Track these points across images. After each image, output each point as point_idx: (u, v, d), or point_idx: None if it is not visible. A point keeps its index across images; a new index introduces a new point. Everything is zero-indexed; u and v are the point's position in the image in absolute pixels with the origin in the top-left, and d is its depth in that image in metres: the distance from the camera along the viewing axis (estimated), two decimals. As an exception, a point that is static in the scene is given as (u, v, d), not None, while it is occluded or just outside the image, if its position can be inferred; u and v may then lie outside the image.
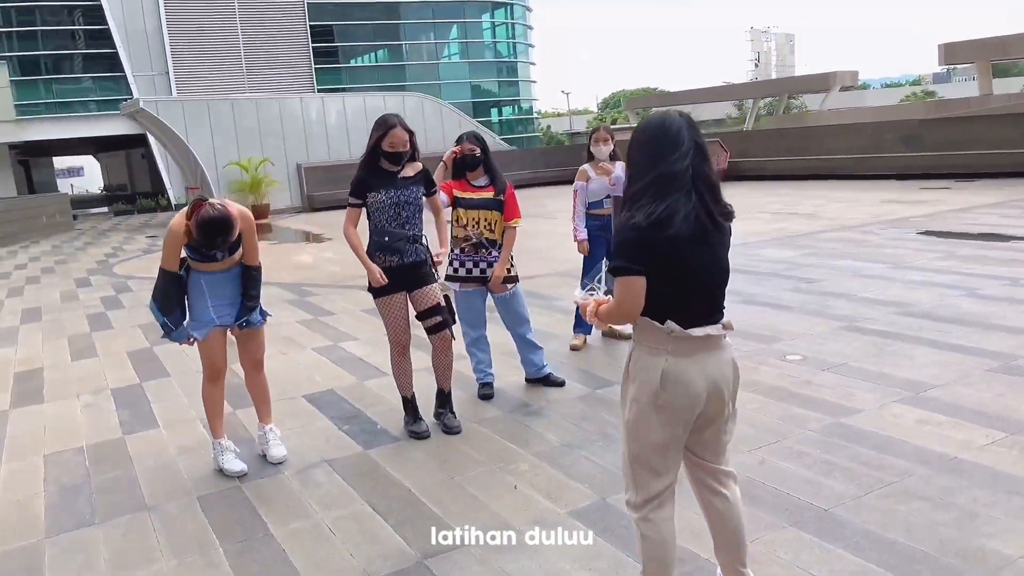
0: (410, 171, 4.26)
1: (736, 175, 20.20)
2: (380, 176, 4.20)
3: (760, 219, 12.46)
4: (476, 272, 4.76)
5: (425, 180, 4.31)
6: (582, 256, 5.71)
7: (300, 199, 23.93)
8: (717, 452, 2.42)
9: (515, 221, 4.81)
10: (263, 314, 4.08)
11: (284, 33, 34.23)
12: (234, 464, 3.94)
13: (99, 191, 41.27)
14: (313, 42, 34.87)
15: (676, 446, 2.32)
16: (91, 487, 3.95)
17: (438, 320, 4.28)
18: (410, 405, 4.41)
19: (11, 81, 29.63)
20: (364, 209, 4.24)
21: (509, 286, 4.83)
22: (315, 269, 11.48)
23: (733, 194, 2.33)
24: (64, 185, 48.45)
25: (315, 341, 6.68)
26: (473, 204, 4.73)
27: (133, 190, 31.86)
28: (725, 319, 2.29)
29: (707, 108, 58.21)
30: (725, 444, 2.43)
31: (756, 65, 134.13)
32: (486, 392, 4.88)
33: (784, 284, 7.47)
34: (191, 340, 3.89)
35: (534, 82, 50.01)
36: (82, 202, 32.65)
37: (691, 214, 2.16)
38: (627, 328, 5.91)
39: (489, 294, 4.85)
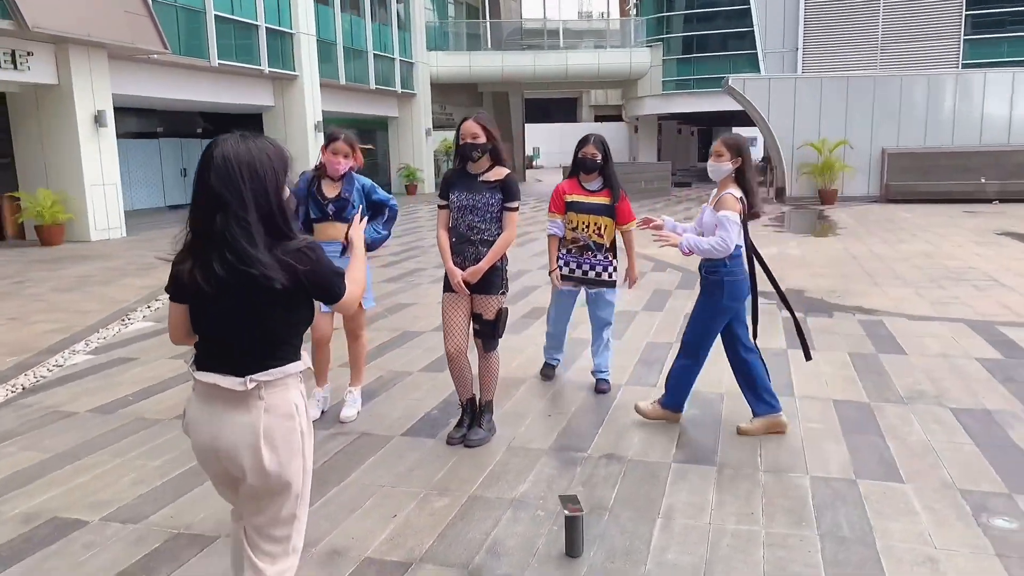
0: (492, 176, 4.22)
1: None
2: (462, 178, 4.29)
3: None
4: (578, 273, 5.08)
5: (503, 188, 4.20)
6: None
7: (879, 187, 21.95)
8: (254, 527, 2.16)
9: (629, 224, 5.09)
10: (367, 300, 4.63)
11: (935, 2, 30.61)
12: (312, 408, 4.70)
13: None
14: (967, 9, 30.27)
15: (218, 484, 2.23)
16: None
17: (476, 328, 4.31)
18: (462, 409, 4.47)
19: (663, 60, 34.05)
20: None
21: (606, 290, 5.07)
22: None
23: None
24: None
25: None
26: (584, 208, 5.03)
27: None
28: (255, 376, 2.04)
29: None
30: (264, 526, 2.15)
31: None
32: (547, 372, 5.45)
33: None
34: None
35: None
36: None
37: (209, 264, 1.99)
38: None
39: (583, 291, 5.16)
